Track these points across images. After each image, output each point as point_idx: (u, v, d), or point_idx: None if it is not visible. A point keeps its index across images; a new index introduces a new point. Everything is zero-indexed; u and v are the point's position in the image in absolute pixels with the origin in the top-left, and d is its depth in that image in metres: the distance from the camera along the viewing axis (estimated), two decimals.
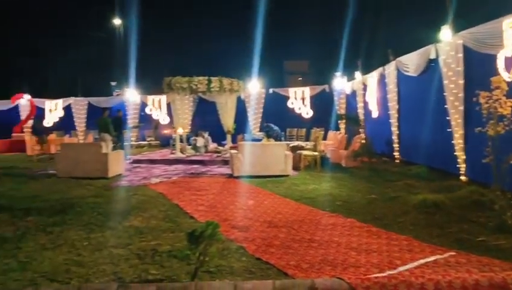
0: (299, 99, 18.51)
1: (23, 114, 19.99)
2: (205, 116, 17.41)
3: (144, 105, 20.06)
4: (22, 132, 19.17)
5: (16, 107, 20.30)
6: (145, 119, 20.01)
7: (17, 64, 29.91)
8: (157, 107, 19.85)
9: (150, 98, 19.86)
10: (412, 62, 9.77)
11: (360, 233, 4.87)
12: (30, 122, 19.19)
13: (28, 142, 16.28)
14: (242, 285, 3.07)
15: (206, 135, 14.70)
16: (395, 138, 11.32)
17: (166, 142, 17.51)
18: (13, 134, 19.11)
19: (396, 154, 11.31)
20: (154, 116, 19.96)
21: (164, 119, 19.68)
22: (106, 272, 3.76)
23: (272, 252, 4.20)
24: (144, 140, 19.95)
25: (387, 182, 8.26)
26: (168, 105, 18.28)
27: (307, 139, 15.24)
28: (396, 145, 11.32)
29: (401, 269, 3.71)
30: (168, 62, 28.85)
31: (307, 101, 18.40)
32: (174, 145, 13.58)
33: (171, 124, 17.27)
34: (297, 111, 18.48)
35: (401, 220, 5.43)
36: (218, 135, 15.07)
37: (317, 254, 4.13)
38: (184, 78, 12.39)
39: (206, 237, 3.39)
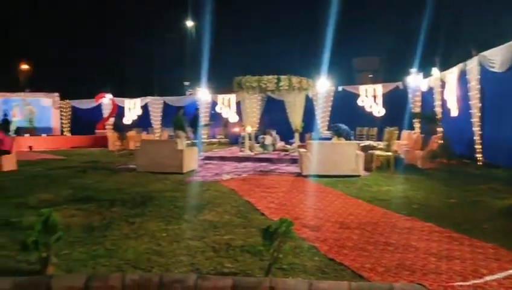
0: (370, 97, 17.92)
1: (106, 112, 21.68)
2: (273, 115, 17.55)
3: (214, 104, 20.73)
4: (104, 128, 20.78)
5: (99, 106, 22.06)
6: (215, 118, 20.68)
7: (101, 65, 32.42)
8: (226, 105, 20.40)
9: (220, 97, 20.45)
10: (497, 57, 9.00)
11: (440, 238, 4.59)
12: (111, 120, 20.77)
13: (110, 138, 17.60)
14: (317, 284, 3.04)
15: (273, 133, 14.80)
16: (477, 138, 10.50)
17: (235, 140, 17.92)
18: (96, 130, 20.77)
19: (478, 156, 10.49)
20: (224, 115, 20.53)
21: (233, 117, 20.15)
22: (184, 262, 3.94)
23: (345, 254, 4.12)
24: (214, 138, 20.61)
25: (468, 185, 7.70)
26: (238, 104, 18.70)
27: (379, 138, 14.70)
28: (478, 147, 10.50)
29: (487, 278, 3.44)
30: (237, 62, 29.50)
31: (379, 99, 17.74)
32: (243, 143, 13.85)
33: (240, 122, 17.65)
34: (368, 109, 17.90)
35: (485, 227, 5.03)
36: (286, 134, 15.11)
37: (393, 258, 3.97)
38: (254, 77, 12.59)
39: (280, 234, 3.41)
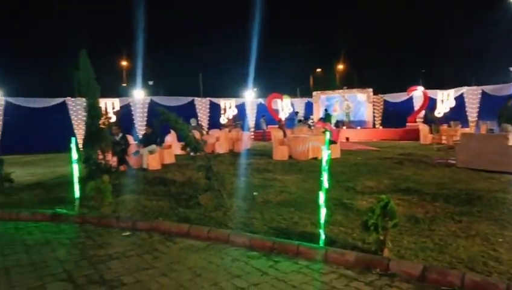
0: None
1: (417, 105, 21.43)
2: None
3: None
4: (415, 121, 20.60)
5: (410, 99, 22.04)
6: None
7: (411, 60, 32.31)
8: None
9: None
10: None
11: None
12: (422, 113, 20.36)
13: (422, 132, 17.27)
14: None
15: None
16: None
17: None
18: (407, 123, 20.86)
19: None
20: None
21: None
22: None
23: None
24: None
25: None
26: None
27: None
28: None
29: None
30: None
31: None
32: None
33: None
34: None
35: None
36: None
37: None
38: None
39: None
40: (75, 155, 6.16)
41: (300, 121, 21.15)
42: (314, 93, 25.78)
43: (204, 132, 16.98)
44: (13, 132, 16.74)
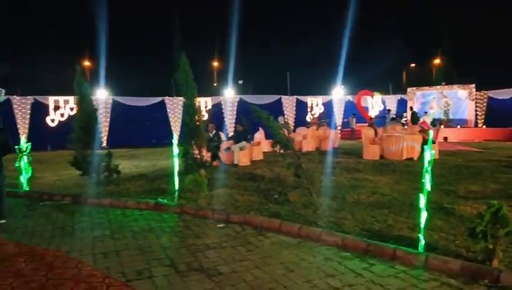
0: None
1: None
2: None
3: None
4: None
5: None
6: None
7: None
8: None
9: None
10: None
11: None
12: None
13: None
14: None
15: None
16: None
17: None
18: None
19: None
20: None
21: None
22: None
23: None
24: None
25: None
26: None
27: None
28: None
29: None
30: None
31: None
32: None
33: None
34: None
35: None
36: None
37: None
38: None
39: None
40: (176, 150, 6.60)
41: (393, 119, 20.15)
42: (408, 89, 24.32)
43: (291, 130, 17.07)
44: (118, 127, 18.55)
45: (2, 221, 5.71)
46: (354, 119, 22.13)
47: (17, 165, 7.63)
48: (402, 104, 24.27)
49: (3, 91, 17.00)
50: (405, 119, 21.02)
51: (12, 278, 3.67)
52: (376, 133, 12.98)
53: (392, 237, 4.50)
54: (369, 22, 32.44)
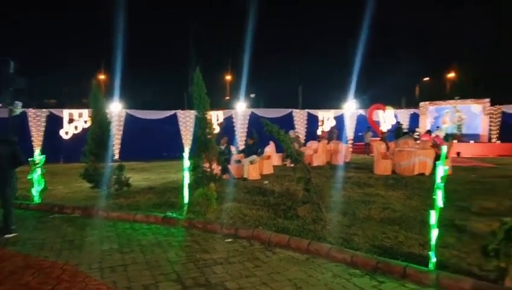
0: None
1: None
2: None
3: None
4: None
5: None
6: None
7: None
8: None
9: None
10: None
11: None
12: None
13: None
14: None
15: None
16: None
17: None
18: None
19: None
20: None
21: None
22: None
23: None
24: None
25: None
26: None
27: None
28: None
29: None
30: None
31: None
32: None
33: None
34: None
35: None
36: None
37: None
38: None
39: None
40: (187, 163, 6.62)
41: (405, 133, 19.94)
42: (421, 103, 24.08)
43: (301, 143, 17.00)
44: (130, 140, 18.73)
45: (10, 235, 5.74)
46: (370, 133, 21.92)
47: (29, 177, 7.73)
48: (414, 119, 24.03)
49: (20, 104, 17.32)
50: (417, 134, 20.78)
51: None
52: (388, 148, 12.85)
53: (402, 254, 4.42)
54: (383, 36, 32.43)
